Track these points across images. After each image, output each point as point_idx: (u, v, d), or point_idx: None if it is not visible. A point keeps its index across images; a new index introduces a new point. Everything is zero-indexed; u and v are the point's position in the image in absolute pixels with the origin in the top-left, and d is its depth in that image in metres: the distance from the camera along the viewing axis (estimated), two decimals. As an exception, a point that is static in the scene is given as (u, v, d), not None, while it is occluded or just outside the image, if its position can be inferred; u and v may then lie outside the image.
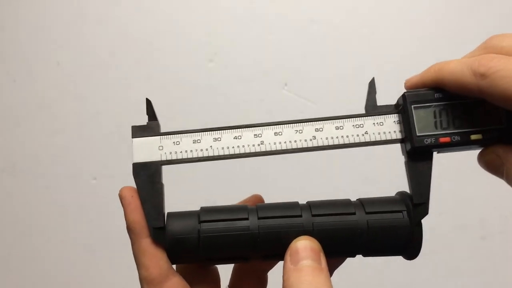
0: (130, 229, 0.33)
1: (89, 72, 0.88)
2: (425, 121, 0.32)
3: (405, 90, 0.33)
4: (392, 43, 0.84)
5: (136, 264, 0.33)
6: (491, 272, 0.79)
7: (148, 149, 0.33)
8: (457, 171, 0.76)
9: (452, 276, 0.79)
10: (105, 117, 0.86)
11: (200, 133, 0.34)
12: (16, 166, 0.87)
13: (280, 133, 0.33)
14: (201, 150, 0.33)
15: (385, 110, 0.34)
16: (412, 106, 0.32)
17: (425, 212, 0.32)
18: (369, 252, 0.33)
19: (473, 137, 0.31)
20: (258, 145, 0.33)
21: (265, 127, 0.33)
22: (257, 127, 0.33)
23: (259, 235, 0.31)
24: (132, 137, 0.34)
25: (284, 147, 0.33)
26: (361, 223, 0.31)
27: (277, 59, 0.85)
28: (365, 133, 0.33)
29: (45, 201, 0.85)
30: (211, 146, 0.33)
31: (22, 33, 0.91)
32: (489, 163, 0.31)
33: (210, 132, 0.34)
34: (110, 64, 0.88)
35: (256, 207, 0.33)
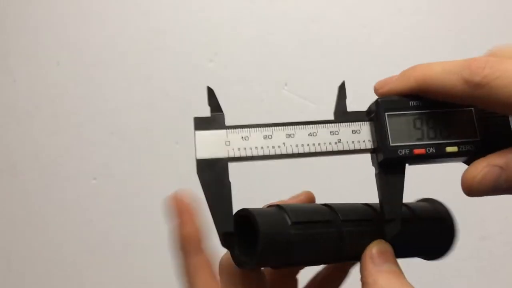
0: (182, 245, 0.30)
1: (89, 72, 0.88)
2: (399, 131, 0.30)
3: (379, 98, 0.31)
4: (392, 43, 0.84)
5: (186, 283, 0.30)
6: (491, 272, 0.79)
7: (213, 144, 0.30)
8: (457, 171, 0.76)
9: (452, 276, 0.79)
10: (105, 117, 0.86)
11: (271, 127, 0.31)
12: (16, 166, 0.87)
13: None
14: (273, 147, 0.30)
15: (356, 118, 0.31)
16: (386, 113, 0.30)
17: (396, 228, 0.30)
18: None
19: (448, 149, 0.30)
20: (335, 143, 0.31)
21: (341, 123, 0.31)
22: (333, 124, 0.31)
23: (344, 238, 0.30)
24: (195, 130, 0.31)
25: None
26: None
27: (277, 59, 0.85)
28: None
29: (45, 201, 0.85)
30: (283, 143, 0.30)
31: (22, 33, 0.91)
32: (485, 179, 0.27)
33: (282, 127, 0.31)
34: (110, 64, 0.88)
35: (335, 208, 0.31)
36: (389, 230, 0.30)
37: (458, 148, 0.30)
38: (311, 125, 0.31)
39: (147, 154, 0.85)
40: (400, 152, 0.29)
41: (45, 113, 0.88)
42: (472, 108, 0.30)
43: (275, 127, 0.31)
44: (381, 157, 0.30)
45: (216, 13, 0.87)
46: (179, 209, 0.31)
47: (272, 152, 0.30)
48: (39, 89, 0.89)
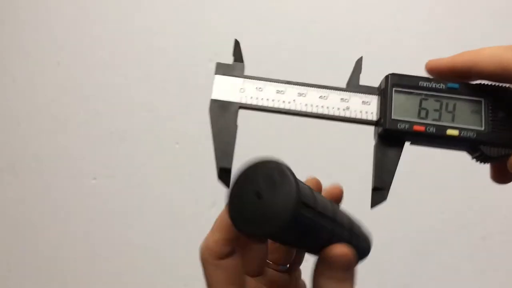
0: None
1: (89, 72, 0.88)
2: (403, 107, 0.31)
3: (390, 73, 0.32)
4: (392, 43, 0.84)
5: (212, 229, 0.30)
6: (491, 272, 0.79)
7: (228, 89, 0.32)
8: (457, 171, 0.76)
9: (452, 276, 0.79)
10: (105, 117, 0.86)
11: (285, 84, 0.32)
12: (16, 166, 0.87)
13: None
14: (283, 101, 0.32)
15: (367, 90, 0.32)
16: (394, 89, 0.31)
17: (383, 198, 0.30)
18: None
19: (449, 132, 0.30)
20: (343, 109, 0.32)
21: (352, 93, 0.32)
22: (345, 91, 0.32)
23: (333, 238, 0.29)
24: (215, 74, 0.33)
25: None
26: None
27: (277, 59, 0.85)
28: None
29: (45, 201, 0.85)
30: (294, 100, 0.32)
31: (22, 33, 0.91)
32: None
33: (296, 85, 0.32)
34: (110, 64, 0.88)
35: (336, 209, 0.31)
36: (375, 199, 0.30)
37: (459, 132, 0.30)
38: (324, 89, 0.33)
39: (147, 154, 0.85)
40: (400, 125, 0.30)
41: (45, 113, 0.88)
42: (483, 99, 0.31)
43: (289, 85, 0.32)
44: (381, 128, 0.31)
45: (216, 13, 0.87)
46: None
47: (281, 106, 0.32)
48: (39, 89, 0.89)
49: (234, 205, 0.27)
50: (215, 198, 0.81)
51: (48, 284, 0.84)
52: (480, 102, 0.31)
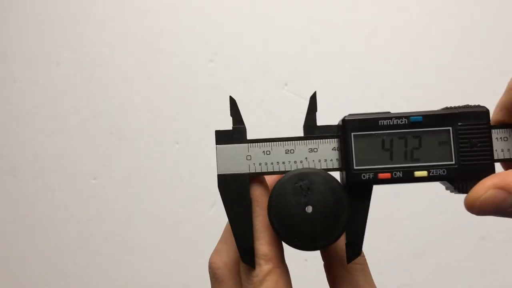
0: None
1: (89, 72, 0.88)
2: (365, 153, 0.29)
3: (346, 116, 0.29)
4: (392, 43, 0.84)
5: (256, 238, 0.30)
6: (491, 272, 0.79)
7: (234, 158, 0.30)
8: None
9: (452, 276, 0.79)
10: (105, 117, 0.86)
11: (293, 141, 0.30)
12: (16, 166, 0.87)
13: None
14: (295, 162, 0.30)
15: (324, 133, 0.30)
16: (353, 134, 0.29)
17: (357, 253, 0.29)
18: None
19: (417, 174, 0.28)
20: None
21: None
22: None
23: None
24: (216, 144, 0.30)
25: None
26: None
27: (277, 59, 0.85)
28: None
29: (45, 201, 0.85)
30: (306, 157, 0.30)
31: (22, 33, 0.91)
32: (491, 203, 0.26)
33: (304, 141, 0.30)
34: (110, 64, 0.88)
35: None
36: (350, 254, 0.29)
37: (428, 173, 0.28)
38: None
39: (147, 154, 0.85)
40: (364, 176, 0.29)
41: (45, 113, 0.88)
42: (450, 128, 0.28)
43: (297, 141, 0.30)
44: (345, 179, 0.29)
45: (216, 13, 0.87)
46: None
47: (294, 167, 0.30)
48: (39, 89, 0.89)
49: (278, 215, 0.28)
50: (215, 198, 0.81)
51: (48, 284, 0.84)
52: (447, 131, 0.29)
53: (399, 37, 0.84)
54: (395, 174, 0.28)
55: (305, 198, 0.28)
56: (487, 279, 0.79)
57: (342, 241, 0.29)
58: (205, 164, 0.81)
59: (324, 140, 0.30)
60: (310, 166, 0.30)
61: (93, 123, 0.86)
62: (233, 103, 0.31)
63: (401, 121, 0.29)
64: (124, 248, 0.83)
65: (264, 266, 0.29)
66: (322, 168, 0.30)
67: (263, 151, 0.30)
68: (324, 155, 0.30)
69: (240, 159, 0.30)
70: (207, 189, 0.81)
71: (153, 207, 0.83)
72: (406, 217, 0.79)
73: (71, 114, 0.87)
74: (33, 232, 0.85)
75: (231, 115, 0.31)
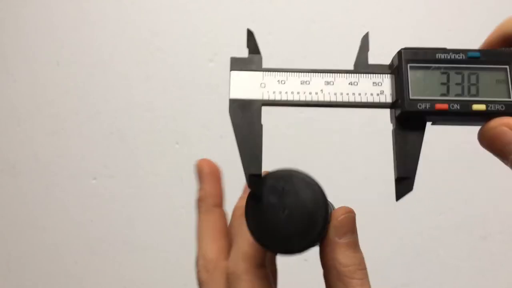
0: (198, 204, 0.30)
1: (89, 72, 0.88)
2: (421, 84, 0.28)
3: (402, 48, 0.29)
4: (392, 42, 0.84)
5: (196, 239, 0.30)
6: (491, 272, 0.79)
7: (248, 85, 0.29)
8: (457, 171, 0.76)
9: (452, 276, 0.79)
10: (105, 117, 0.86)
11: (310, 73, 0.30)
12: (16, 166, 0.87)
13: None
14: (310, 93, 0.29)
15: (377, 70, 0.30)
16: (409, 65, 0.28)
17: (408, 188, 0.28)
18: None
19: (475, 107, 0.27)
20: (377, 94, 0.29)
21: (384, 75, 0.29)
22: (376, 74, 0.30)
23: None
24: (230, 70, 0.30)
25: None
26: None
27: (277, 59, 0.85)
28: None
29: (45, 201, 0.85)
30: (321, 90, 0.29)
31: (22, 33, 0.91)
32: (494, 139, 0.26)
33: (321, 74, 0.29)
34: (110, 64, 0.88)
35: None
36: (400, 189, 0.28)
37: (486, 106, 0.27)
38: (352, 74, 0.30)
39: (147, 154, 0.85)
40: (420, 106, 0.27)
41: (45, 113, 0.88)
42: (507, 66, 0.28)
43: (314, 73, 0.30)
44: (398, 111, 0.28)
45: (216, 13, 0.87)
46: (200, 173, 0.32)
47: (308, 99, 0.29)
48: (39, 89, 0.89)
49: (254, 218, 0.27)
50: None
51: (48, 284, 0.84)
52: (505, 69, 0.28)
53: (399, 37, 0.84)
54: (452, 106, 0.27)
55: (281, 200, 0.27)
56: (487, 279, 0.79)
57: (340, 254, 0.28)
58: (205, 164, 0.81)
59: (357, 74, 0.29)
60: (326, 99, 0.29)
61: (93, 123, 0.86)
62: (250, 34, 0.32)
63: (459, 56, 0.28)
64: (124, 248, 0.83)
65: (241, 264, 0.28)
66: (337, 101, 0.29)
67: (278, 80, 0.30)
68: (361, 88, 0.29)
69: (254, 86, 0.29)
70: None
71: (153, 207, 0.83)
72: (406, 217, 0.79)
73: (71, 114, 0.87)
74: (33, 232, 0.85)
75: (248, 45, 0.31)
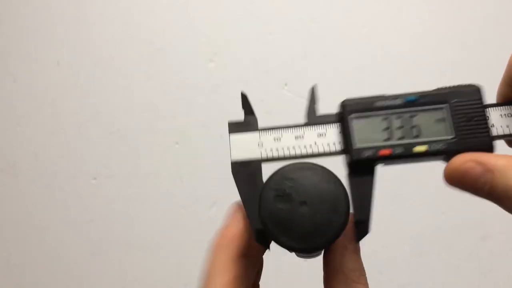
0: (218, 242, 0.30)
1: (89, 72, 0.88)
2: (364, 132, 0.30)
3: (344, 100, 0.31)
4: (392, 42, 0.84)
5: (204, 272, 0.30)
6: (491, 272, 0.79)
7: (246, 146, 0.31)
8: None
9: (452, 276, 0.79)
10: (105, 117, 0.86)
11: (302, 127, 0.31)
12: (16, 166, 0.87)
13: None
14: (304, 146, 0.31)
15: (325, 120, 0.32)
16: (350, 116, 0.30)
17: (365, 231, 0.29)
18: None
19: (416, 149, 0.29)
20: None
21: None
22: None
23: None
24: (229, 133, 0.32)
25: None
26: None
27: (277, 59, 0.85)
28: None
29: (45, 201, 0.85)
30: (315, 142, 0.31)
31: (22, 33, 0.91)
32: (464, 177, 0.26)
33: (313, 126, 0.31)
34: (110, 64, 0.88)
35: None
36: (359, 232, 0.29)
37: (428, 147, 0.29)
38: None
39: (147, 154, 0.85)
40: (365, 154, 0.29)
41: (45, 113, 0.88)
42: (445, 105, 0.30)
43: (307, 127, 0.31)
44: (348, 159, 0.30)
45: (216, 13, 0.87)
46: (232, 213, 0.31)
47: (304, 152, 0.31)
48: (39, 89, 0.89)
49: (268, 213, 0.28)
50: (215, 198, 0.81)
51: (48, 284, 0.84)
52: (443, 108, 0.30)
53: (399, 37, 0.84)
54: (395, 151, 0.29)
55: (293, 201, 0.28)
56: (487, 279, 0.79)
57: (349, 259, 0.29)
58: (205, 164, 0.81)
59: (330, 125, 0.31)
60: (320, 151, 0.31)
61: (93, 123, 0.86)
62: (244, 98, 0.33)
63: (396, 102, 0.30)
64: (124, 248, 0.83)
65: None
66: (330, 151, 0.31)
67: (274, 138, 0.31)
68: (331, 139, 0.31)
69: (253, 146, 0.31)
70: (207, 189, 0.81)
71: (153, 207, 0.83)
72: (406, 217, 0.79)
73: (71, 114, 0.87)
74: (33, 232, 0.85)
75: (243, 108, 0.32)
